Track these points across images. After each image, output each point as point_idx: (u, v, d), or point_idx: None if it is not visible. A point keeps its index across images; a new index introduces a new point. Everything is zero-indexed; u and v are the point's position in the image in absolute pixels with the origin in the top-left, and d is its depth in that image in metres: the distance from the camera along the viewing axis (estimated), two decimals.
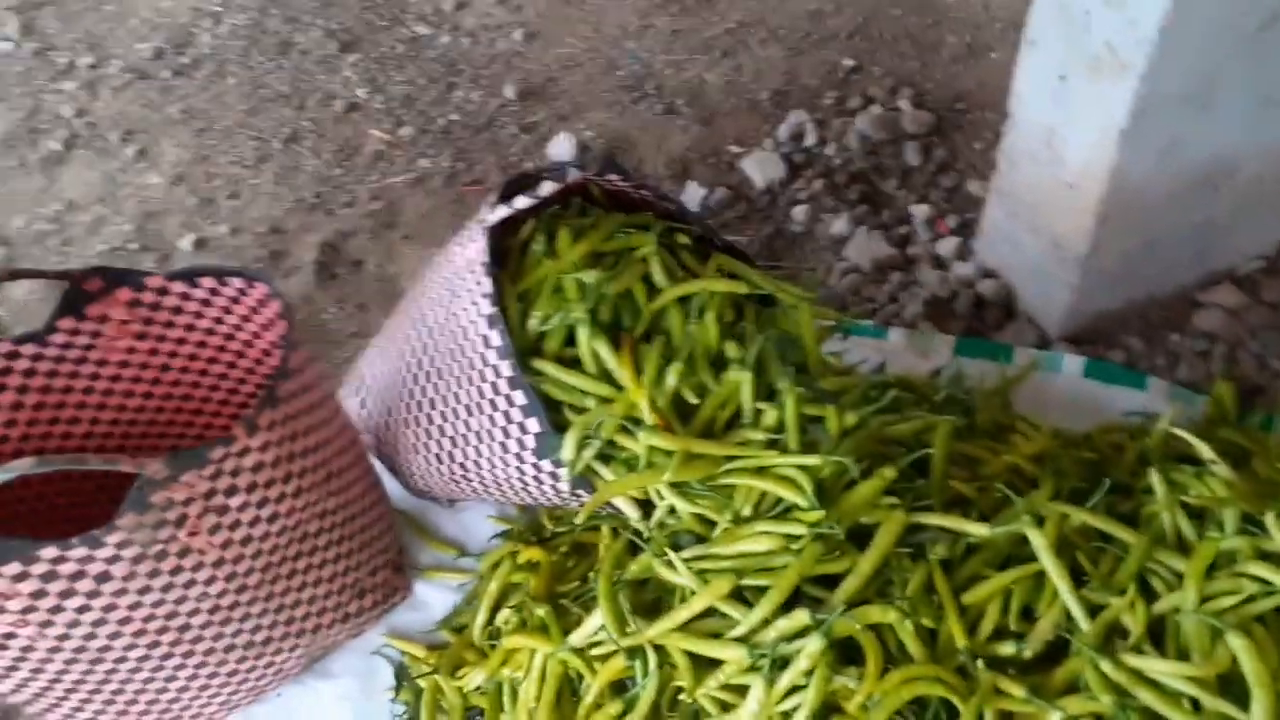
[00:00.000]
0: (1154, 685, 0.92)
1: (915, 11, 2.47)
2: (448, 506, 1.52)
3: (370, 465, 1.37)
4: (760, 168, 2.01)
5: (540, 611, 1.22)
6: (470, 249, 1.17)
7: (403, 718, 1.32)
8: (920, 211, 1.86)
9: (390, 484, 1.49)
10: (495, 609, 1.32)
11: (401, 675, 1.36)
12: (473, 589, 1.41)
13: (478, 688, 1.27)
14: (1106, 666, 0.93)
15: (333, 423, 1.23)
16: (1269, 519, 0.95)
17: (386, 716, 1.34)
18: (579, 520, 1.17)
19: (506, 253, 1.22)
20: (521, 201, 1.09)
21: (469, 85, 2.38)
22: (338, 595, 1.30)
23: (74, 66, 2.55)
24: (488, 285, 1.13)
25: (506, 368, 1.13)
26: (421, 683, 1.31)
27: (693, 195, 1.98)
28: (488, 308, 1.13)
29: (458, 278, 1.20)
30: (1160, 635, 0.99)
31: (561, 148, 2.14)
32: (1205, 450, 1.10)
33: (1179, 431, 1.18)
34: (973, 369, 1.53)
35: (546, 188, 1.09)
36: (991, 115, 2.13)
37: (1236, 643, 0.90)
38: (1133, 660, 0.93)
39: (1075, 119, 1.43)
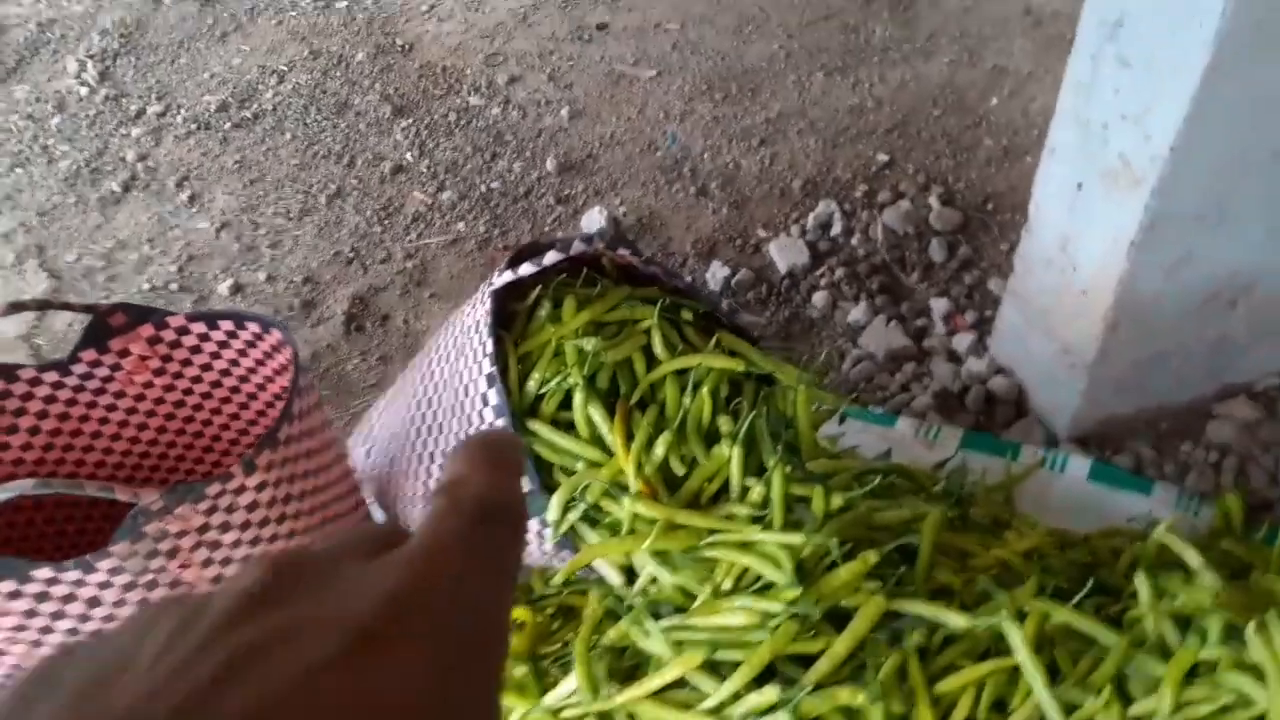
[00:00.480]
0: None
1: (955, 113, 2.52)
2: None
3: (367, 513, 1.40)
4: (784, 253, 2.04)
5: (519, 670, 1.22)
6: (479, 310, 1.21)
7: None
8: (939, 306, 1.88)
9: None
10: None
11: None
12: None
13: None
14: None
15: (331, 469, 1.26)
16: (1249, 629, 0.94)
17: None
18: (557, 581, 1.18)
19: (513, 316, 1.26)
20: (526, 268, 1.13)
21: (512, 156, 2.46)
22: None
23: (143, 113, 2.68)
24: (490, 345, 1.16)
25: (501, 426, 1.16)
26: None
27: (716, 275, 2.02)
28: (488, 367, 1.16)
29: (465, 336, 1.24)
30: None
31: (593, 220, 2.19)
32: (1193, 557, 1.08)
33: (1169, 537, 1.16)
34: (978, 463, 1.53)
35: (550, 256, 1.12)
36: (1019, 218, 2.14)
37: None
38: None
39: (1089, 228, 1.45)
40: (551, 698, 1.15)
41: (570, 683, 1.13)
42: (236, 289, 2.13)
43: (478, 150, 2.48)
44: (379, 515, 1.49)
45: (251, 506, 1.12)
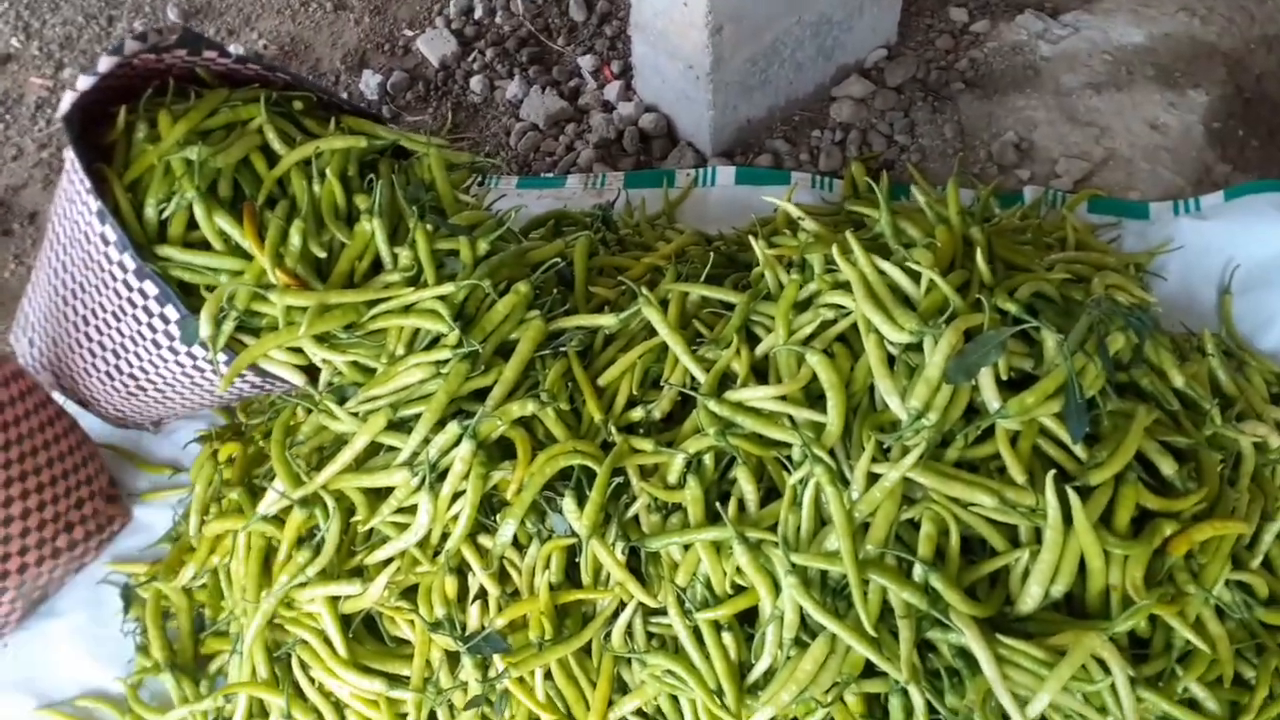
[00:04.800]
0: (755, 412, 1.03)
1: None
2: (155, 431, 1.50)
3: (46, 400, 1.34)
4: (433, 46, 2.02)
5: (234, 495, 1.24)
6: (68, 151, 1.15)
7: (136, 634, 1.33)
8: (587, 63, 1.91)
9: (92, 420, 1.46)
10: (206, 511, 1.33)
11: (128, 595, 1.36)
12: (189, 501, 1.41)
13: (201, 584, 1.29)
14: (713, 405, 1.03)
15: None
16: (834, 251, 1.07)
17: (120, 639, 1.34)
18: (221, 390, 1.17)
19: (112, 148, 1.20)
20: (83, 82, 1.08)
21: (130, 14, 2.27)
22: (38, 532, 1.28)
23: None
24: (88, 180, 1.11)
25: (128, 260, 1.13)
26: (144, 594, 1.31)
27: (370, 83, 1.97)
28: (95, 204, 1.12)
29: (67, 182, 1.18)
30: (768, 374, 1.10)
31: None
32: (793, 210, 1.21)
33: (777, 203, 1.29)
34: (642, 197, 1.62)
35: (105, 63, 1.07)
36: None
37: (812, 359, 1.02)
38: (734, 395, 1.03)
39: None
40: (263, 506, 1.17)
41: (278, 485, 1.16)
42: None
43: (90, 18, 2.27)
44: (71, 407, 1.44)
45: None
